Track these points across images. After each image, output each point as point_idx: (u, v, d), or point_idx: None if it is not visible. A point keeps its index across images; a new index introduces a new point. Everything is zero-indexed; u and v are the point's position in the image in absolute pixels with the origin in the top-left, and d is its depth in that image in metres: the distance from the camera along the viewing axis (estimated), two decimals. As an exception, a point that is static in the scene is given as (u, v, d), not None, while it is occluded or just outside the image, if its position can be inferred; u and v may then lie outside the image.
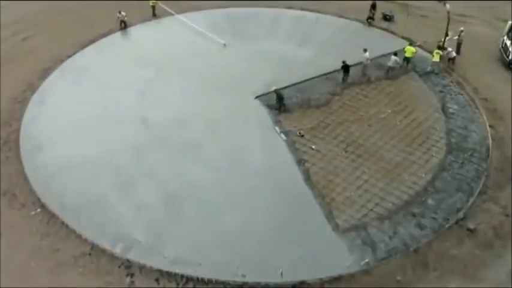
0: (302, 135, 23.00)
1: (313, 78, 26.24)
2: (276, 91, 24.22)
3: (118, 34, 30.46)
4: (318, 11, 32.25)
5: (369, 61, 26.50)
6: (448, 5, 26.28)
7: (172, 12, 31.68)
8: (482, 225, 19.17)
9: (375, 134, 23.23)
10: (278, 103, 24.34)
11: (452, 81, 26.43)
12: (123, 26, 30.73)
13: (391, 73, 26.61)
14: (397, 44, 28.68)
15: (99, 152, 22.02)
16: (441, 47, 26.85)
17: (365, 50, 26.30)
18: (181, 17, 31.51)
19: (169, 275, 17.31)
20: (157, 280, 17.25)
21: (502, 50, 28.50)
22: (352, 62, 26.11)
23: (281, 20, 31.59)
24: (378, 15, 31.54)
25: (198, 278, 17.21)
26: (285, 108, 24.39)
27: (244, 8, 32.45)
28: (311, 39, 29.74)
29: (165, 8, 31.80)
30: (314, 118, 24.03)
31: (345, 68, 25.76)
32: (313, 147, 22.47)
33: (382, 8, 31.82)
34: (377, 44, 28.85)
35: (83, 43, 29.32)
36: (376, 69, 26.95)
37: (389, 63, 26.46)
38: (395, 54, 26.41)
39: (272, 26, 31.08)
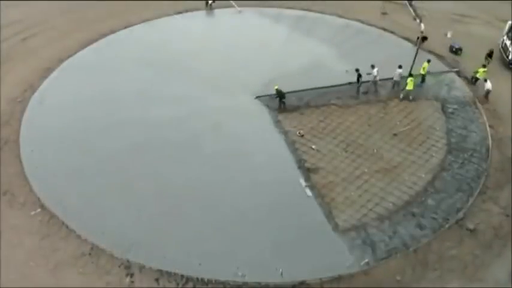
0: (302, 135, 23.00)
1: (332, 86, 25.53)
2: (277, 90, 24.25)
3: (118, 34, 30.43)
4: (322, 12, 32.48)
5: (377, 78, 25.21)
6: (422, 25, 25.20)
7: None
8: (482, 225, 19.18)
9: (374, 134, 23.24)
10: (279, 101, 24.40)
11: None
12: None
13: (397, 88, 25.62)
14: (398, 46, 28.69)
15: (99, 151, 22.02)
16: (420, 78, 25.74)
17: (372, 66, 25.06)
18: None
19: (169, 275, 17.32)
20: (157, 280, 17.26)
21: (502, 50, 28.52)
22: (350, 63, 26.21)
23: (283, 20, 31.77)
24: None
25: (198, 278, 17.22)
26: (284, 107, 24.42)
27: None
28: (313, 39, 29.82)
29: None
30: (314, 118, 24.04)
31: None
32: (313, 147, 22.47)
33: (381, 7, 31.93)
34: (377, 45, 28.94)
35: (83, 43, 29.34)
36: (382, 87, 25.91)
37: (395, 77, 25.51)
38: (399, 66, 25.35)
39: (273, 26, 31.28)
